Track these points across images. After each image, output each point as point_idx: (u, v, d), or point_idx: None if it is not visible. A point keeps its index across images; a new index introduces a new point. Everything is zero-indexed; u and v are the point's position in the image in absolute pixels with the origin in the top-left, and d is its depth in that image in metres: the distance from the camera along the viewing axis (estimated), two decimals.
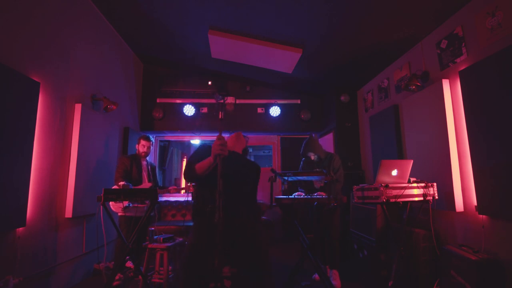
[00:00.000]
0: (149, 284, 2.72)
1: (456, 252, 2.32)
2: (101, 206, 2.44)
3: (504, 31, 2.22)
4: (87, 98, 3.36)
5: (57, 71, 2.85)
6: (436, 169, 2.83)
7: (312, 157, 3.23)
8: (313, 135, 3.46)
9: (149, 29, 3.97)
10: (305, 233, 2.81)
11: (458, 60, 2.70)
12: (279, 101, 5.52)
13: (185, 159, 7.48)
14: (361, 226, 3.36)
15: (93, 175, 3.37)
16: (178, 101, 5.36)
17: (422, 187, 2.43)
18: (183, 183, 6.28)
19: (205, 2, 3.19)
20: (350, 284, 3.09)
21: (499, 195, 2.20)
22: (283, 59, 4.06)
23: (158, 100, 5.34)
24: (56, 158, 2.85)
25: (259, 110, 5.51)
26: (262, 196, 5.48)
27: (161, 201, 5.26)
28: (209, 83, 5.37)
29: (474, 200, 2.48)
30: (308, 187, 3.22)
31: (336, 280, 2.98)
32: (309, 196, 2.82)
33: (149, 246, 2.82)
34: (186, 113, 5.26)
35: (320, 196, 2.85)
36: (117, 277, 2.97)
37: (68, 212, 2.96)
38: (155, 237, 2.88)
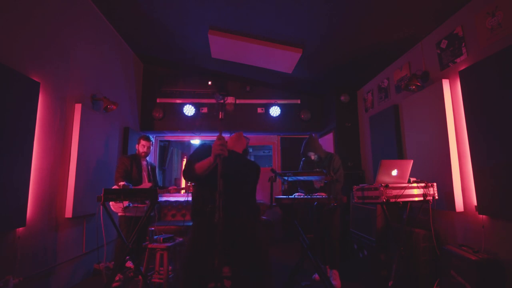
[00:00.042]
0: (149, 284, 2.72)
1: (456, 252, 2.32)
2: (101, 206, 2.44)
3: (504, 31, 2.22)
4: (87, 98, 3.36)
5: (57, 71, 2.85)
6: (436, 169, 2.83)
7: (313, 157, 3.23)
8: (313, 135, 3.46)
9: (149, 29, 3.97)
10: (305, 233, 2.81)
11: (458, 60, 2.70)
12: (279, 101, 5.52)
13: (185, 159, 7.48)
14: (361, 226, 3.36)
15: (93, 175, 3.37)
16: (178, 101, 5.36)
17: (422, 187, 2.43)
18: (183, 183, 6.28)
19: (205, 2, 3.19)
20: (350, 284, 3.09)
21: (499, 195, 2.20)
22: (283, 59, 4.06)
23: (158, 100, 5.35)
24: (56, 158, 2.85)
25: (259, 110, 5.51)
26: (262, 196, 5.48)
27: (161, 201, 5.26)
28: (209, 83, 5.37)
29: (474, 200, 2.48)
30: (308, 187, 3.22)
31: (336, 280, 2.98)
32: (309, 196, 2.82)
33: (149, 246, 2.82)
34: (186, 113, 5.26)
35: (320, 196, 2.85)
36: (117, 278, 2.97)
37: (68, 212, 2.96)
38: (155, 237, 2.88)
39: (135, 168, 3.31)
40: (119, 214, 3.18)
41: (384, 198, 2.27)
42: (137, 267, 2.69)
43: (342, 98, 4.84)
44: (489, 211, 2.31)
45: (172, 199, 5.42)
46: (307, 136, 3.33)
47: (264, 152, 7.93)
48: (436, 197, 2.44)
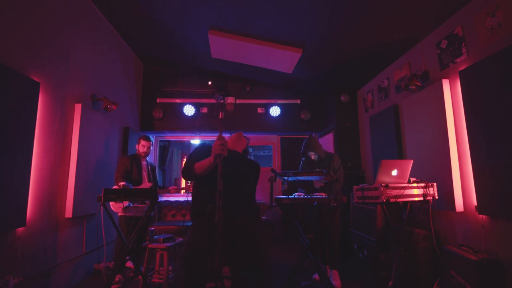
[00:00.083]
0: (149, 284, 2.72)
1: (456, 252, 2.32)
2: (101, 206, 2.44)
3: (504, 31, 2.22)
4: (87, 98, 3.36)
5: (57, 71, 2.85)
6: (436, 169, 2.83)
7: (313, 157, 3.23)
8: (313, 134, 3.46)
9: (149, 29, 3.97)
10: (305, 233, 2.81)
11: (458, 60, 2.70)
12: (279, 101, 5.52)
13: (185, 159, 7.47)
14: (361, 226, 3.36)
15: (93, 175, 3.37)
16: (178, 101, 5.36)
17: (422, 187, 2.43)
18: (183, 183, 6.28)
19: (205, 2, 3.19)
20: (350, 284, 3.09)
21: (499, 195, 2.20)
22: (283, 59, 4.06)
23: (158, 100, 5.35)
24: (56, 158, 2.85)
25: (259, 110, 5.51)
26: (262, 196, 5.48)
27: (161, 201, 5.26)
28: (209, 83, 5.37)
29: (474, 200, 2.48)
30: (308, 187, 3.22)
31: (336, 280, 2.98)
32: (309, 196, 2.82)
33: (149, 246, 2.82)
34: (186, 113, 5.26)
35: (320, 196, 2.85)
36: (117, 278, 2.97)
37: (68, 212, 2.96)
38: (155, 237, 2.88)
39: (135, 168, 3.31)
40: (119, 214, 3.18)
41: (384, 198, 2.27)
42: (137, 267, 2.69)
43: (342, 98, 4.84)
44: (489, 211, 2.31)
45: (172, 199, 5.43)
46: (307, 136, 3.33)
47: (264, 152, 7.93)
48: (436, 197, 2.44)
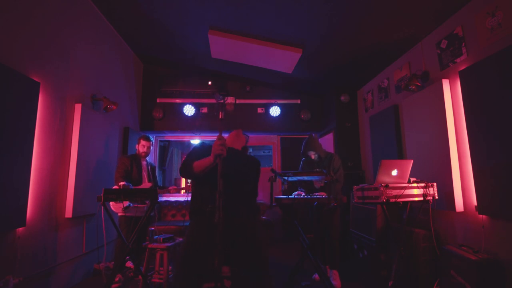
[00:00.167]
0: (149, 284, 2.72)
1: (456, 252, 2.32)
2: (101, 206, 2.44)
3: (504, 31, 2.22)
4: (87, 98, 3.36)
5: (57, 71, 2.85)
6: (436, 169, 2.83)
7: (313, 156, 3.23)
8: (313, 134, 3.46)
9: (149, 29, 3.97)
10: (305, 233, 2.81)
11: (458, 60, 2.70)
12: (279, 101, 5.52)
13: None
14: (361, 226, 3.36)
15: (93, 175, 3.37)
16: (178, 101, 5.36)
17: (422, 187, 2.43)
18: (183, 183, 6.28)
19: (205, 2, 3.19)
20: (350, 284, 3.09)
21: (499, 195, 2.20)
22: (283, 59, 4.06)
23: (158, 100, 5.35)
24: (56, 158, 2.85)
25: (259, 110, 5.51)
26: (262, 196, 5.48)
27: (161, 201, 5.26)
28: (209, 83, 5.37)
29: (474, 200, 2.48)
30: (309, 187, 3.22)
31: (336, 280, 2.98)
32: (309, 196, 2.82)
33: (149, 246, 2.82)
34: (186, 113, 5.26)
35: (320, 196, 2.85)
36: (117, 278, 2.97)
37: (68, 212, 2.96)
38: (155, 237, 2.87)
39: (135, 168, 3.31)
40: (119, 214, 3.18)
41: (384, 198, 2.27)
42: (137, 267, 2.69)
43: (342, 98, 4.84)
44: (489, 211, 2.31)
45: (172, 199, 5.42)
46: (307, 136, 3.34)
47: (264, 152, 7.93)
48: (436, 197, 2.44)
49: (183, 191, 4.50)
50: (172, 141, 6.52)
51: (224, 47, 4.03)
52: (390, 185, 2.32)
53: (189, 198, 1.90)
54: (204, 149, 1.84)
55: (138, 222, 2.76)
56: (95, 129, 3.44)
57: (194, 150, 1.89)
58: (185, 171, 1.77)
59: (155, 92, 5.35)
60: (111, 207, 3.12)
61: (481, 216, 2.39)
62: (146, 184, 3.34)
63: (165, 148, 6.54)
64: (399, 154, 3.58)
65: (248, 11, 3.24)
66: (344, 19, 3.11)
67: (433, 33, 3.04)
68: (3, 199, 2.16)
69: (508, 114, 2.16)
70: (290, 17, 3.23)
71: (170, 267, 2.76)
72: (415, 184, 2.41)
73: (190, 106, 5.25)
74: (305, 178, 2.93)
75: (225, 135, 1.88)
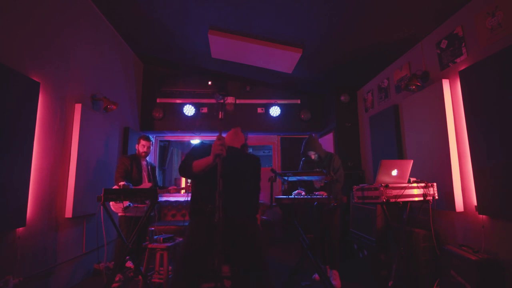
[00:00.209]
0: (149, 284, 2.72)
1: (456, 252, 2.32)
2: (101, 206, 2.44)
3: (504, 31, 2.22)
4: (87, 98, 3.36)
5: (57, 71, 2.85)
6: (436, 169, 2.83)
7: (313, 156, 3.23)
8: (313, 134, 3.46)
9: (149, 29, 3.97)
10: (305, 233, 2.81)
11: (458, 60, 2.70)
12: (279, 101, 5.52)
13: None
14: (361, 226, 3.36)
15: (93, 175, 3.37)
16: (178, 101, 5.36)
17: (422, 187, 2.43)
18: (183, 183, 6.28)
19: (205, 2, 3.19)
20: (350, 284, 3.09)
21: (499, 195, 2.20)
22: (283, 59, 4.06)
23: (158, 100, 5.35)
24: (56, 158, 2.85)
25: (259, 110, 5.51)
26: (262, 196, 5.47)
27: (161, 201, 5.26)
28: (209, 83, 5.37)
29: (474, 200, 2.48)
30: (309, 187, 3.22)
31: (336, 280, 2.98)
32: (309, 196, 2.82)
33: (149, 246, 2.82)
34: (186, 113, 5.26)
35: (321, 196, 2.86)
36: (117, 278, 2.97)
37: (68, 212, 2.96)
38: (155, 237, 2.87)
39: (135, 168, 3.31)
40: (119, 214, 3.18)
41: (384, 198, 2.27)
42: (137, 267, 2.69)
43: (342, 98, 4.84)
44: (489, 211, 2.31)
45: (172, 199, 5.43)
46: (307, 136, 3.34)
47: (264, 152, 7.93)
48: (436, 197, 2.44)
49: (183, 191, 4.50)
50: (172, 141, 6.52)
51: (224, 47, 4.03)
52: (390, 185, 2.32)
53: (189, 198, 1.90)
54: (203, 148, 1.83)
55: (138, 222, 2.76)
56: (95, 129, 3.44)
57: (193, 149, 1.88)
58: (185, 171, 1.77)
59: (155, 92, 5.35)
60: (111, 207, 3.12)
61: (481, 216, 2.39)
62: (146, 184, 3.34)
63: (165, 148, 6.54)
64: (399, 154, 3.58)
65: (248, 11, 3.24)
66: (344, 19, 3.11)
67: (433, 33, 3.04)
68: (3, 199, 2.16)
69: (508, 114, 2.16)
70: (290, 17, 3.23)
71: (170, 267, 2.76)
72: (415, 184, 2.41)
73: (190, 106, 5.25)
74: (305, 178, 2.93)
75: (225, 135, 1.87)
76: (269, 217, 5.06)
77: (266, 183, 2.60)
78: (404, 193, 2.35)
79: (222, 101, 5.33)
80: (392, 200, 2.30)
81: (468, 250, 2.28)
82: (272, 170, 2.64)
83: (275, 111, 5.42)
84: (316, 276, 3.13)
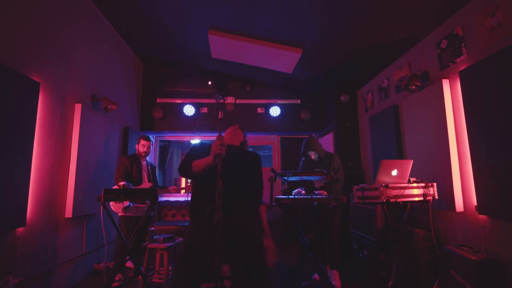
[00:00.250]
0: (149, 284, 2.72)
1: (456, 252, 2.32)
2: (101, 206, 2.44)
3: (504, 31, 2.22)
4: (87, 98, 3.36)
5: (57, 71, 2.85)
6: (436, 169, 2.83)
7: (313, 156, 3.23)
8: (313, 134, 3.46)
9: (149, 29, 3.97)
10: (305, 233, 2.81)
11: (458, 60, 2.70)
12: (279, 101, 5.52)
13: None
14: (361, 226, 3.36)
15: (93, 175, 3.37)
16: (178, 101, 5.36)
17: (422, 187, 2.43)
18: (183, 183, 6.28)
19: (205, 2, 3.19)
20: (350, 284, 3.09)
21: (499, 195, 2.20)
22: (283, 59, 4.06)
23: (158, 100, 5.35)
24: (56, 158, 2.85)
25: (259, 110, 5.51)
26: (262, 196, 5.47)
27: (161, 201, 5.26)
28: (209, 83, 5.38)
29: (474, 200, 2.48)
30: (309, 186, 3.22)
31: (336, 280, 2.98)
32: (309, 196, 2.82)
33: (149, 246, 2.82)
34: (186, 113, 5.26)
35: (321, 195, 2.85)
36: (117, 278, 2.97)
37: (68, 212, 2.96)
38: (155, 237, 2.88)
39: (135, 168, 3.31)
40: (119, 214, 3.18)
41: (384, 198, 2.27)
42: (137, 267, 2.69)
43: (342, 98, 4.84)
44: (489, 211, 2.31)
45: (172, 199, 5.43)
46: (307, 136, 3.34)
47: (264, 152, 7.93)
48: (436, 197, 2.44)
49: (183, 191, 4.50)
50: (172, 141, 6.52)
51: (224, 47, 4.03)
52: (390, 185, 2.32)
53: (189, 198, 1.90)
54: (203, 148, 1.83)
55: (138, 222, 2.76)
56: (95, 129, 3.44)
57: (193, 149, 1.87)
58: (185, 171, 1.77)
59: (155, 92, 5.35)
60: (111, 207, 3.12)
61: (481, 216, 2.39)
62: (146, 184, 3.34)
63: (165, 148, 6.54)
64: (399, 154, 3.58)
65: (248, 11, 3.24)
66: (344, 19, 3.11)
67: (433, 33, 3.04)
68: (3, 199, 2.16)
69: (508, 114, 2.16)
70: (290, 17, 3.23)
71: (170, 267, 2.76)
72: (415, 184, 2.41)
73: (190, 106, 5.26)
74: (305, 178, 2.93)
75: (224, 134, 1.86)
76: (269, 217, 5.05)
77: (266, 183, 2.59)
78: (404, 193, 2.35)
79: (222, 101, 5.33)
80: (392, 200, 2.30)
81: (468, 250, 2.28)
82: (272, 170, 2.64)
83: (275, 111, 5.42)
84: (316, 276, 3.13)
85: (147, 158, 3.54)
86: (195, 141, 6.04)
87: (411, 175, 2.50)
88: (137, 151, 3.44)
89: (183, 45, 4.38)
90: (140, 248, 3.15)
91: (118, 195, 2.50)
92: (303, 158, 3.43)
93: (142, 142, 3.42)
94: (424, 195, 2.41)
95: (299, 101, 5.61)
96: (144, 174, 3.41)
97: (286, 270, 3.21)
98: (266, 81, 5.32)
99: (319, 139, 5.61)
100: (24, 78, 2.38)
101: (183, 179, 5.71)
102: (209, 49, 4.10)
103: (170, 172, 6.95)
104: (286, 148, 5.89)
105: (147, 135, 3.50)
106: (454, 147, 2.69)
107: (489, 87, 2.33)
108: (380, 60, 3.86)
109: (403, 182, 2.44)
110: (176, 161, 7.19)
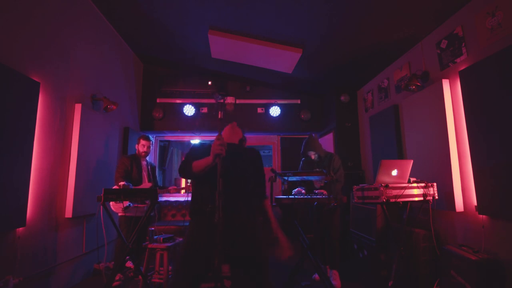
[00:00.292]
0: (149, 284, 2.72)
1: (456, 252, 2.32)
2: (101, 206, 2.44)
3: (504, 31, 2.22)
4: (87, 98, 3.36)
5: (57, 71, 2.85)
6: (436, 169, 2.83)
7: (313, 156, 3.23)
8: (313, 134, 3.46)
9: (149, 29, 3.97)
10: (305, 233, 2.81)
11: (458, 60, 2.70)
12: (279, 101, 5.52)
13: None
14: (361, 226, 3.36)
15: (93, 175, 3.37)
16: (178, 101, 5.36)
17: (422, 187, 2.43)
18: (183, 183, 6.28)
19: (205, 2, 3.19)
20: (350, 284, 3.09)
21: (499, 195, 2.20)
22: (283, 59, 4.06)
23: (158, 100, 5.35)
24: (56, 158, 2.85)
25: (259, 110, 5.51)
26: None
27: (161, 201, 5.26)
28: (209, 83, 5.37)
29: (474, 200, 2.48)
30: (309, 186, 3.22)
31: (336, 280, 2.98)
32: (309, 196, 2.82)
33: (149, 246, 2.82)
34: (186, 113, 5.26)
35: (321, 195, 2.85)
36: (117, 278, 2.97)
37: (68, 212, 2.96)
38: (155, 237, 2.88)
39: (135, 168, 3.31)
40: (119, 214, 3.19)
41: (384, 198, 2.27)
42: (137, 267, 2.69)
43: (342, 98, 4.84)
44: (489, 211, 2.31)
45: (172, 199, 5.43)
46: (307, 136, 3.34)
47: (264, 152, 7.93)
48: (436, 197, 2.44)
49: (183, 191, 4.50)
50: (172, 141, 6.52)
51: (224, 47, 4.03)
52: (390, 185, 2.32)
53: (189, 198, 1.89)
54: (203, 149, 1.82)
55: (138, 222, 2.76)
56: (95, 129, 3.44)
57: (193, 149, 1.87)
58: (185, 171, 1.77)
59: (155, 92, 5.35)
60: (111, 207, 3.12)
61: (481, 216, 2.39)
62: (146, 184, 3.34)
63: (165, 148, 6.54)
64: (399, 154, 3.58)
65: (248, 11, 3.24)
66: (344, 19, 3.11)
67: (433, 33, 3.04)
68: (3, 199, 2.16)
69: (508, 114, 2.16)
70: (290, 17, 3.23)
71: (170, 267, 2.76)
72: (415, 184, 2.41)
73: (190, 106, 5.25)
74: (305, 178, 2.93)
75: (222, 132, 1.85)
76: None
77: (266, 183, 2.60)
78: (404, 193, 2.35)
79: (222, 101, 5.33)
80: (392, 200, 2.30)
81: (468, 250, 2.28)
82: (272, 170, 2.64)
83: (275, 111, 5.42)
84: (316, 276, 3.13)
85: (147, 158, 3.54)
86: (195, 141, 6.04)
87: (411, 175, 2.50)
88: (137, 151, 3.44)
89: (183, 45, 4.38)
90: (140, 248, 3.15)
91: (118, 195, 2.50)
92: (303, 158, 3.43)
93: (142, 142, 3.42)
94: (424, 195, 2.41)
95: (299, 101, 5.61)
96: (144, 174, 3.41)
97: (286, 270, 3.21)
98: (266, 81, 5.32)
99: (319, 139, 5.61)
100: (24, 78, 2.38)
101: (183, 179, 5.71)
102: (209, 49, 4.10)
103: (170, 172, 6.95)
104: (286, 148, 5.89)
105: (147, 135, 3.50)
106: (454, 147, 2.69)
107: (489, 87, 2.33)
108: (380, 60, 3.86)
109: (403, 182, 2.44)
110: (176, 161, 7.19)
